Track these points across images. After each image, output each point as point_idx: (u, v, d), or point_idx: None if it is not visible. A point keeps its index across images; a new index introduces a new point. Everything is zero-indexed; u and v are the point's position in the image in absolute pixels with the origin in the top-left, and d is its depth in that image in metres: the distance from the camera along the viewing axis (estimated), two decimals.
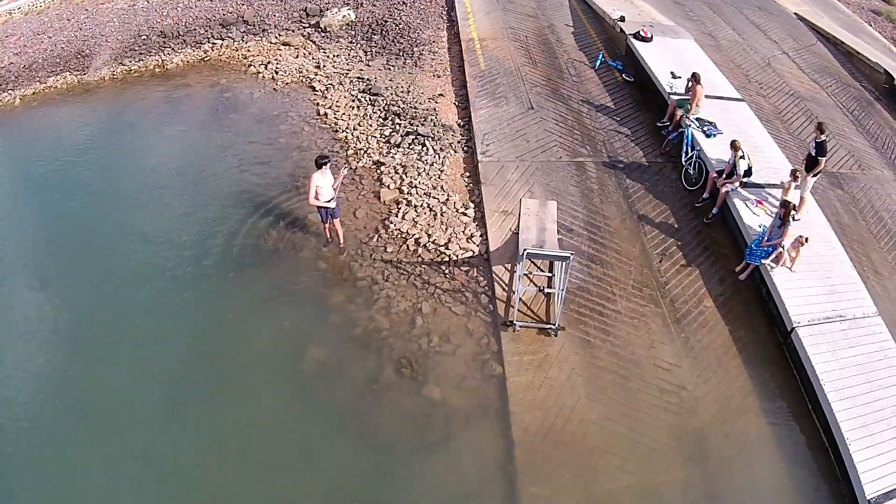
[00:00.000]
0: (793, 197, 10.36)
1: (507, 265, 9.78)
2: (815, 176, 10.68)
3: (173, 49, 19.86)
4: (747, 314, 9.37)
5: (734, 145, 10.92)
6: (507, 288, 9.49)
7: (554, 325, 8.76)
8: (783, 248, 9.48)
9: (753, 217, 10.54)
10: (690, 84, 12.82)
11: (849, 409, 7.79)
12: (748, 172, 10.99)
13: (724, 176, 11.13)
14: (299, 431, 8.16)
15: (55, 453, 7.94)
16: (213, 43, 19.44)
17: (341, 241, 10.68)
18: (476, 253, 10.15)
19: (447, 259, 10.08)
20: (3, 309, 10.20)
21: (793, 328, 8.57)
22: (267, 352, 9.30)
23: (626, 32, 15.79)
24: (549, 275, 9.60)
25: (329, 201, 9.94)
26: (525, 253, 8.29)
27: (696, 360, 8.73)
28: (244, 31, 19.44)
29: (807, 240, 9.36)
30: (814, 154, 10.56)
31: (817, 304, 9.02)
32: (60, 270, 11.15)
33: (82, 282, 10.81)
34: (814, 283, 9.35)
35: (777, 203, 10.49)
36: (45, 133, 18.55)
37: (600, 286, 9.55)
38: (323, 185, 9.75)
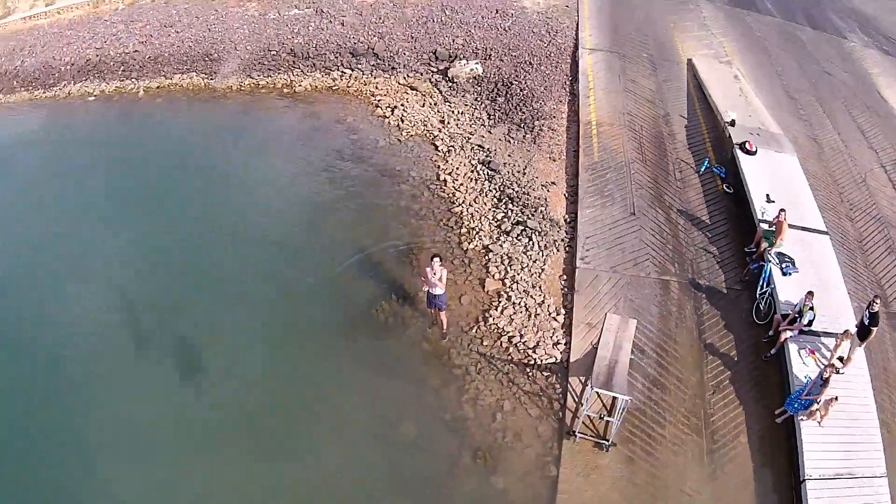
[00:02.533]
0: (843, 350, 13.83)
1: (581, 378, 13.26)
2: (864, 343, 14.09)
3: (302, 71, 23.98)
4: (774, 457, 12.39)
5: (810, 295, 13.74)
6: (577, 399, 12.92)
7: (608, 441, 12.23)
8: (818, 403, 13.04)
9: (802, 367, 13.78)
10: (777, 217, 15.77)
11: None
12: (810, 324, 14.43)
13: (787, 321, 14.65)
14: (381, 496, 11.53)
15: None
16: (343, 72, 23.45)
17: (444, 328, 14.07)
18: (557, 360, 13.64)
19: (532, 362, 13.61)
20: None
21: (804, 479, 12.11)
22: (364, 419, 12.58)
23: (734, 140, 18.96)
24: (614, 395, 13.38)
25: (436, 294, 13.47)
26: (593, 389, 12.25)
27: (717, 490, 11.83)
28: (374, 65, 23.44)
29: (836, 399, 12.85)
30: (867, 323, 13.80)
31: (833, 459, 12.29)
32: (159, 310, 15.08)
33: (184, 316, 14.79)
34: (835, 438, 12.36)
35: (828, 355, 14.03)
36: (169, 135, 22.14)
37: (655, 410, 12.93)
38: (432, 278, 13.17)
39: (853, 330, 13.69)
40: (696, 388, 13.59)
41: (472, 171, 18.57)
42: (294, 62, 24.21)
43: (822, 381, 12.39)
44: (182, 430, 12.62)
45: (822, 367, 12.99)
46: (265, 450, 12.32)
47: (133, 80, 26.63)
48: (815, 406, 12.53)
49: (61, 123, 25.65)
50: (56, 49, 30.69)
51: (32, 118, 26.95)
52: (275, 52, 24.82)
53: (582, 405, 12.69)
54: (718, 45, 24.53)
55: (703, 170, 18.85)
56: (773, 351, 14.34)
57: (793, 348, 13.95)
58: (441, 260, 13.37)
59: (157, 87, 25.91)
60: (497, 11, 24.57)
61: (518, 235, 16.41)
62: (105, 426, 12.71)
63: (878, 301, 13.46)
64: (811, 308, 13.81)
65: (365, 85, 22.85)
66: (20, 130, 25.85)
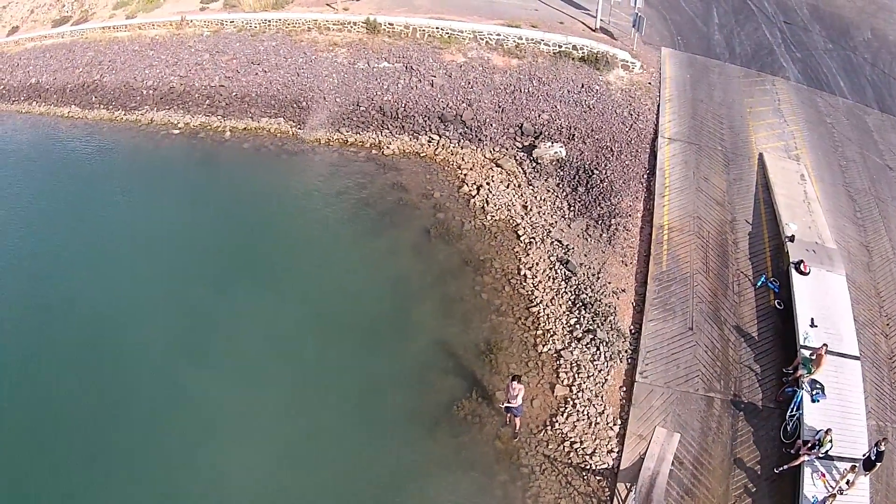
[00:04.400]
0: (850, 477, 19.39)
1: (627, 484, 17.84)
2: (870, 474, 19.67)
3: (391, 132, 28.08)
4: None
5: (829, 432, 18.26)
6: (621, 503, 18.20)
7: None
8: None
9: (811, 487, 18.02)
10: (819, 350, 19.94)
11: None
12: (826, 453, 19.86)
13: (807, 446, 20.22)
14: None
15: None
16: (431, 138, 27.30)
17: (516, 429, 18.59)
18: (609, 466, 18.16)
19: (588, 466, 18.22)
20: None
21: None
22: None
23: (791, 258, 22.87)
24: None
25: (513, 406, 18.29)
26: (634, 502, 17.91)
27: None
28: (461, 134, 27.74)
29: None
30: (873, 459, 19.38)
31: None
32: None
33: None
34: None
35: (839, 477, 19.55)
36: (259, 190, 26.05)
37: None
38: (510, 395, 17.86)
39: (861, 459, 18.05)
40: (721, 498, 18.16)
41: (551, 269, 23.23)
42: (383, 121, 28.42)
43: None
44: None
45: (829, 491, 17.78)
46: None
47: (219, 117, 30.60)
48: None
49: (149, 156, 29.43)
50: (137, 69, 34.68)
51: (118, 143, 30.71)
52: (364, 109, 29.36)
53: None
54: (790, 136, 28.25)
55: (759, 284, 23.08)
56: (785, 467, 18.68)
57: (807, 471, 18.17)
58: (518, 380, 17.82)
59: (244, 128, 29.86)
60: (583, 86, 29.22)
61: (587, 344, 20.96)
62: None
63: (885, 442, 17.64)
64: (830, 441, 18.14)
65: (452, 154, 27.15)
66: (105, 157, 29.97)
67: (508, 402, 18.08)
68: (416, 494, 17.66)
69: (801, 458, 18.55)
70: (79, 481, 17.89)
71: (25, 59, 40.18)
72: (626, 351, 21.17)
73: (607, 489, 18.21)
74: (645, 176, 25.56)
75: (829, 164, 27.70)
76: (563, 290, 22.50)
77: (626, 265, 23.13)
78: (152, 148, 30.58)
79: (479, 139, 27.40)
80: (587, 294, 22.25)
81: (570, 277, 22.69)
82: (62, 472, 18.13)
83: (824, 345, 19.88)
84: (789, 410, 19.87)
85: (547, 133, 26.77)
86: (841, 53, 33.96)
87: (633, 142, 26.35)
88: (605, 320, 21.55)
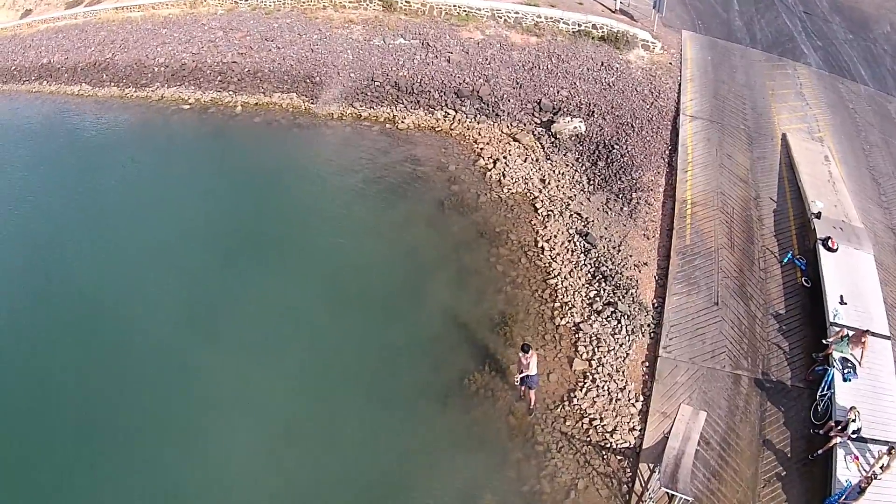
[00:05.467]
0: (885, 461, 17.76)
1: (650, 464, 16.36)
2: None
3: (406, 107, 27.10)
4: None
5: (853, 409, 17.15)
6: (644, 485, 16.09)
7: None
8: None
9: (845, 470, 16.44)
10: (858, 335, 18.33)
11: None
12: (856, 431, 18.25)
13: (839, 428, 18.60)
14: None
15: None
16: (447, 112, 26.45)
17: (532, 404, 17.11)
18: (631, 445, 16.81)
19: (608, 445, 16.85)
20: None
21: None
22: (447, 485, 15.52)
23: (818, 235, 21.60)
24: (678, 495, 15.49)
25: (528, 375, 16.77)
26: (660, 486, 15.36)
27: None
28: (478, 109, 26.78)
29: None
30: None
31: None
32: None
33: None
34: None
35: (873, 460, 17.98)
36: (268, 163, 25.02)
37: (711, 499, 16.01)
38: (523, 365, 16.43)
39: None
40: (751, 482, 16.80)
41: (570, 241, 21.99)
42: (398, 96, 27.50)
43: (860, 490, 16.24)
44: (271, 476, 16.24)
45: (863, 475, 16.41)
46: None
47: (231, 92, 29.60)
48: None
49: (157, 130, 28.52)
50: (150, 47, 33.64)
51: (127, 118, 29.85)
52: (379, 84, 28.26)
53: (647, 491, 15.96)
54: (812, 119, 27.09)
55: (785, 261, 22.01)
56: (819, 452, 17.32)
57: (840, 453, 16.87)
58: (529, 348, 16.46)
59: (256, 103, 28.86)
60: (603, 64, 27.88)
61: (608, 317, 19.71)
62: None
63: None
64: (853, 420, 16.81)
65: (468, 129, 26.07)
66: (114, 132, 29.04)
67: (521, 372, 16.67)
68: (424, 472, 16.39)
69: (834, 441, 17.16)
70: (94, 447, 17.13)
71: (38, 41, 39.18)
72: (648, 325, 19.87)
73: (629, 469, 16.78)
74: (667, 152, 24.42)
75: (853, 148, 26.48)
76: (583, 262, 21.27)
77: (648, 239, 21.87)
78: (161, 123, 29.58)
79: (497, 114, 26.42)
80: (608, 267, 21.06)
81: (590, 250, 21.47)
82: (71, 445, 17.23)
83: (867, 330, 18.68)
84: (820, 390, 18.53)
85: (566, 109, 25.75)
86: (861, 44, 32.73)
87: (654, 119, 25.16)
88: (626, 293, 20.31)
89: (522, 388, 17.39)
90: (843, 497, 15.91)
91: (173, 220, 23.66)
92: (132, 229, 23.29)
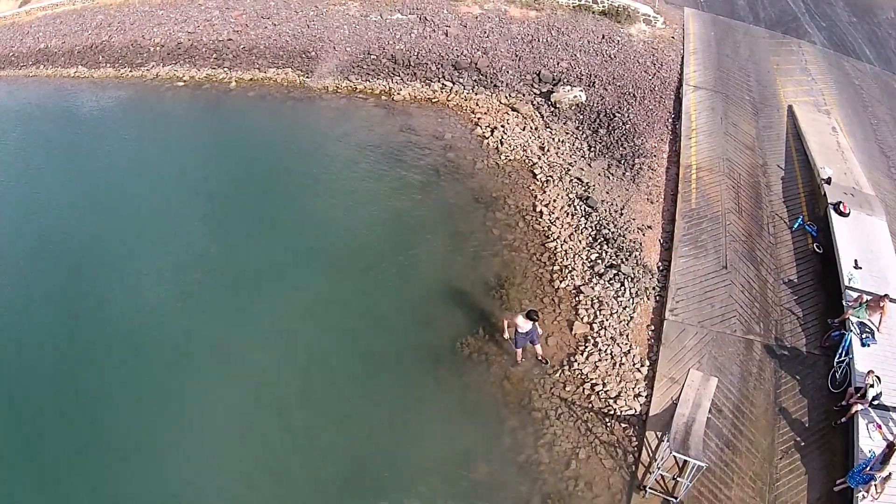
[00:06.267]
0: None
1: (658, 433, 15.07)
2: None
3: (402, 79, 26.05)
4: None
5: (870, 374, 15.55)
6: (651, 454, 14.75)
7: (676, 499, 13.89)
8: (876, 479, 15.36)
9: (868, 441, 15.59)
10: (877, 300, 16.91)
11: None
12: (876, 398, 16.62)
13: (859, 394, 16.96)
14: None
15: None
16: (444, 84, 25.43)
17: (539, 356, 16.10)
18: (636, 413, 15.43)
19: (612, 412, 15.45)
20: None
21: None
22: (438, 455, 14.29)
23: (829, 200, 20.30)
24: (690, 460, 13.99)
25: (527, 330, 15.17)
26: (671, 451, 13.81)
27: None
28: (475, 81, 25.65)
29: (890, 476, 14.99)
30: None
31: None
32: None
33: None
34: None
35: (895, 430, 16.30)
36: (260, 136, 24.05)
37: (724, 471, 14.66)
38: (522, 328, 14.96)
39: None
40: (767, 452, 15.33)
41: (570, 206, 20.68)
42: (394, 69, 26.42)
43: (883, 458, 14.42)
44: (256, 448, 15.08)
45: (887, 442, 15.29)
46: (336, 480, 14.34)
47: (225, 69, 28.71)
48: (874, 481, 14.31)
49: (151, 106, 27.81)
50: (146, 28, 32.99)
51: (121, 96, 29.10)
52: (375, 57, 27.07)
53: (656, 461, 14.47)
54: (818, 93, 25.94)
55: (795, 227, 20.65)
56: (842, 419, 16.03)
57: (862, 422, 15.50)
58: (537, 318, 15.15)
59: (251, 79, 27.95)
60: (603, 37, 26.57)
61: (610, 279, 18.41)
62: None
63: None
64: (872, 385, 15.48)
65: (465, 100, 24.94)
66: (107, 109, 28.26)
67: (520, 329, 15.14)
68: (416, 440, 15.08)
69: (855, 408, 15.81)
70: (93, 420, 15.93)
71: (35, 27, 38.29)
72: (653, 288, 18.51)
73: (634, 438, 15.28)
74: (670, 120, 23.26)
75: (861, 122, 25.31)
76: (583, 226, 20.01)
77: (652, 203, 20.67)
78: (155, 100, 28.74)
79: (495, 85, 25.40)
80: (609, 230, 19.83)
81: (591, 213, 20.19)
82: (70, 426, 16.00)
83: (886, 294, 17.18)
84: (837, 357, 17.14)
85: (566, 80, 24.57)
86: (865, 27, 31.71)
87: (656, 88, 24.03)
88: (629, 255, 19.06)
89: (519, 350, 16.01)
90: (868, 468, 14.43)
91: (164, 190, 22.82)
92: (128, 202, 22.46)
